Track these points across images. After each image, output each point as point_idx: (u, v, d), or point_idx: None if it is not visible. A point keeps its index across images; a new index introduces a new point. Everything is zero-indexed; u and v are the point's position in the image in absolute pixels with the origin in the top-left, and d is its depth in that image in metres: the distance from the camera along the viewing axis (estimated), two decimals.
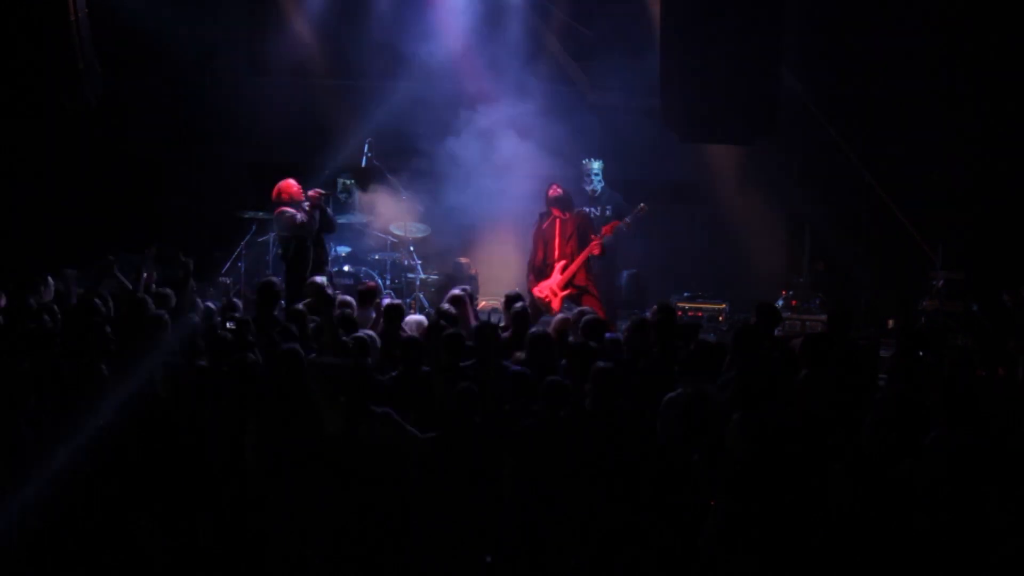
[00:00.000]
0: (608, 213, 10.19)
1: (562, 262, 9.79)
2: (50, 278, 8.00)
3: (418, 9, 12.23)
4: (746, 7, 9.15)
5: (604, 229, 9.79)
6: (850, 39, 11.47)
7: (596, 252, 9.68)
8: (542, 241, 9.94)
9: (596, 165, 10.39)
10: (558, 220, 9.87)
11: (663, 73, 9.55)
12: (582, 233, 9.78)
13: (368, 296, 8.20)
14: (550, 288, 9.76)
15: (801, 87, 11.33)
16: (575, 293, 9.77)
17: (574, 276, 9.75)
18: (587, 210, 10.10)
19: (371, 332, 6.76)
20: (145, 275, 8.18)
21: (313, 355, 6.15)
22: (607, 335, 6.91)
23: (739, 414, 5.01)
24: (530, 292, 9.66)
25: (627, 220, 10.00)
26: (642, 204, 10.03)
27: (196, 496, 5.48)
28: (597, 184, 10.36)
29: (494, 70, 12.20)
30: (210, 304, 7.84)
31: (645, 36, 11.17)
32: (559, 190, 9.92)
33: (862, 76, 11.53)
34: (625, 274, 11.02)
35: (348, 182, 11.41)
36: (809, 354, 6.04)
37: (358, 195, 11.45)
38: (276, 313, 7.58)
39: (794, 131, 11.38)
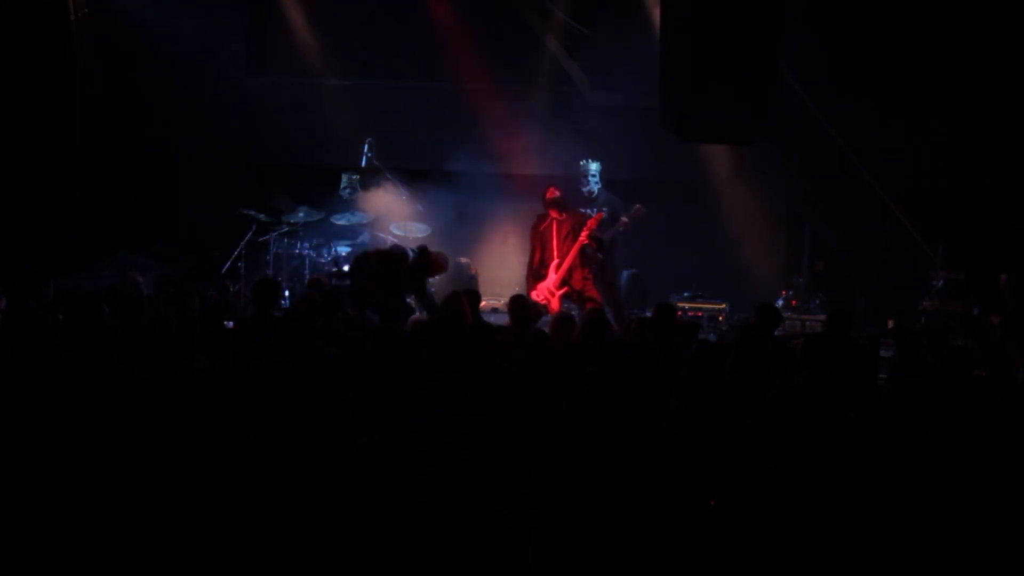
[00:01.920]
0: (604, 215, 10.20)
1: (556, 261, 9.81)
2: (51, 280, 7.99)
3: (418, 9, 12.25)
4: (746, 7, 9.15)
5: (589, 222, 9.79)
6: (850, 38, 11.47)
7: (585, 241, 9.70)
8: (539, 243, 9.95)
9: (594, 167, 10.33)
10: (555, 222, 9.88)
11: (663, 73, 9.55)
12: (578, 233, 9.79)
13: (366, 297, 8.20)
14: (547, 289, 9.78)
15: (801, 87, 11.33)
16: (572, 293, 9.78)
17: (569, 275, 9.75)
18: (584, 211, 10.09)
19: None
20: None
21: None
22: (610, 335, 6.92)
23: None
24: (529, 295, 9.67)
25: (624, 219, 10.02)
26: (638, 205, 10.06)
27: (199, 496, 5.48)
28: (594, 186, 10.30)
29: (493, 69, 12.21)
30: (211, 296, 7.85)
31: (645, 36, 11.18)
32: (556, 192, 9.93)
33: (862, 76, 11.53)
34: (625, 274, 11.02)
35: (353, 177, 11.39)
36: (809, 354, 6.04)
37: (360, 193, 11.44)
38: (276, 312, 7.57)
39: (794, 131, 11.38)
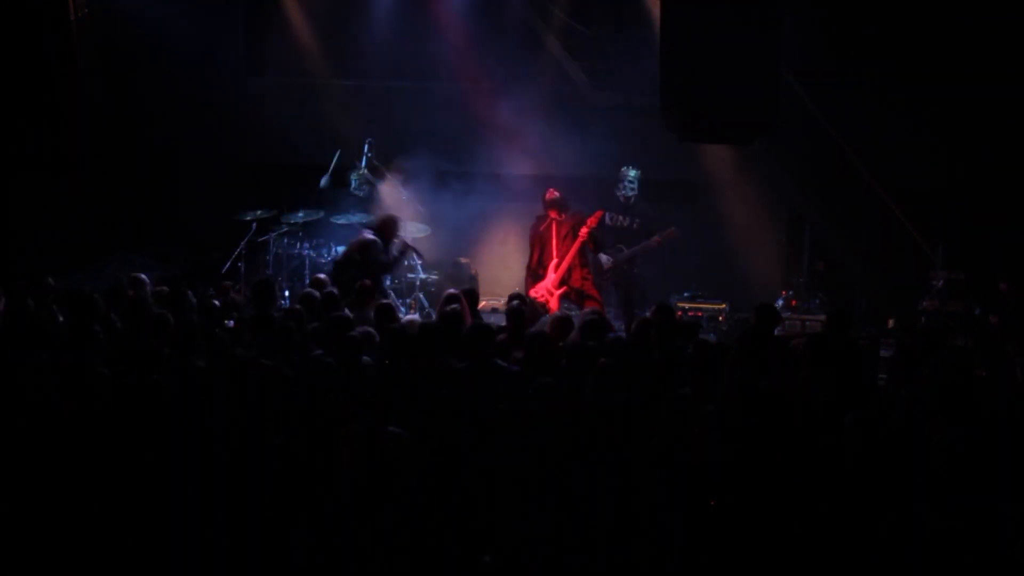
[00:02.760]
0: (635, 225, 10.25)
1: (555, 260, 9.83)
2: (49, 279, 7.98)
3: (418, 9, 12.24)
4: (746, 7, 9.14)
5: (589, 220, 9.82)
6: (850, 38, 11.47)
7: (585, 238, 9.73)
8: (539, 244, 9.97)
9: (633, 173, 10.36)
10: (554, 222, 9.90)
11: (663, 73, 9.54)
12: (577, 232, 9.80)
13: (366, 296, 8.23)
14: (546, 288, 9.79)
15: (800, 87, 11.33)
16: (571, 292, 9.80)
17: (568, 274, 9.77)
18: (611, 217, 10.14)
19: (370, 329, 6.78)
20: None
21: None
22: (611, 335, 6.92)
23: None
24: (527, 295, 9.68)
25: (656, 239, 10.09)
26: (672, 228, 10.14)
27: (197, 496, 5.48)
28: (630, 192, 10.34)
29: (494, 69, 12.21)
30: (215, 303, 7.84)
31: (645, 36, 11.17)
32: (555, 193, 9.97)
33: (862, 75, 11.52)
34: None
35: (362, 173, 11.35)
36: (811, 354, 6.04)
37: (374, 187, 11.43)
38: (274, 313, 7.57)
39: (793, 130, 11.37)
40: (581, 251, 9.79)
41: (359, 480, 5.27)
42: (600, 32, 12.31)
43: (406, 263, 10.27)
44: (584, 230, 9.75)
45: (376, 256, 9.47)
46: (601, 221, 9.98)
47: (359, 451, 5.30)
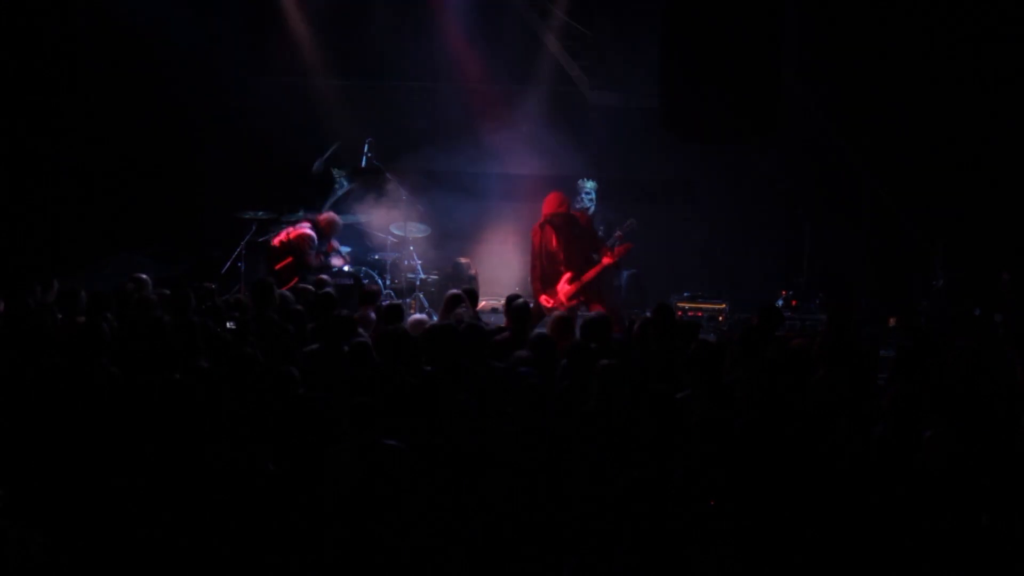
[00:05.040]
0: (600, 233, 10.27)
1: (568, 274, 9.75)
2: (54, 280, 7.97)
3: (418, 9, 12.25)
4: (746, 7, 9.15)
5: (617, 249, 9.84)
6: (850, 38, 11.47)
7: (609, 262, 9.78)
8: (543, 249, 9.88)
9: (589, 185, 10.33)
10: (557, 222, 9.84)
11: (663, 73, 9.57)
12: (588, 234, 9.80)
13: (370, 297, 8.24)
14: (558, 300, 9.74)
15: (801, 87, 11.33)
16: (584, 300, 9.81)
17: (584, 285, 9.77)
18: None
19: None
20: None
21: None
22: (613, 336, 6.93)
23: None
24: (536, 301, 9.62)
25: (618, 234, 10.05)
26: (631, 220, 10.10)
27: (198, 497, 5.48)
28: (588, 203, 10.28)
29: (494, 69, 12.21)
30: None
31: (645, 36, 11.18)
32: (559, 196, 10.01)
33: (862, 75, 11.53)
34: (625, 274, 11.05)
35: (339, 171, 11.43)
36: (829, 354, 6.03)
37: (350, 188, 11.49)
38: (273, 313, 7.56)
39: (794, 131, 11.38)
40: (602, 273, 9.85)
41: (354, 494, 5.24)
42: (600, 32, 12.31)
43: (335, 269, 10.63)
44: (610, 257, 9.79)
45: (306, 252, 10.23)
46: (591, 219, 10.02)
47: (354, 466, 5.26)
